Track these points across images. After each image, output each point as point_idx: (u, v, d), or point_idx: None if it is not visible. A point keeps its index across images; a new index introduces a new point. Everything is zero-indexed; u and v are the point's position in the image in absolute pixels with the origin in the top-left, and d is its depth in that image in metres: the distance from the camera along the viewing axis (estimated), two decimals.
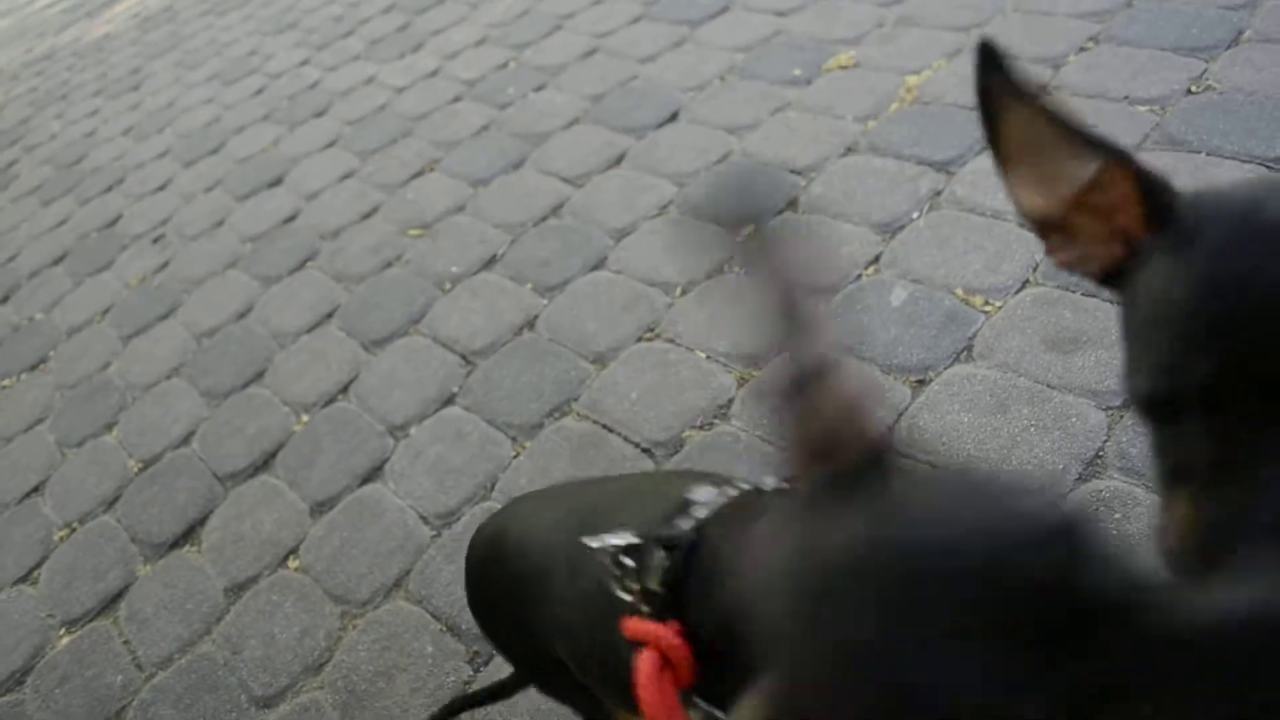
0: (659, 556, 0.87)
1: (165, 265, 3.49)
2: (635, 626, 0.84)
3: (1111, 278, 0.68)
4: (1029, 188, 0.68)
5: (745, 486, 0.93)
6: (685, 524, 0.88)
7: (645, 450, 2.06)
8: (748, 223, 0.59)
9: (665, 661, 0.81)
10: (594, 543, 0.94)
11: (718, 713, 0.81)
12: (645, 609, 0.85)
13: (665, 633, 0.82)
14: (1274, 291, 0.57)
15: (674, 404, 2.13)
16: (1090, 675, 0.42)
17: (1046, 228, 0.70)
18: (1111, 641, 0.42)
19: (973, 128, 2.49)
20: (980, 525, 0.46)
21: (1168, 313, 0.62)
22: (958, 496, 0.50)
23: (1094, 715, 0.42)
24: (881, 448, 0.53)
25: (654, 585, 0.86)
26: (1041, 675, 0.42)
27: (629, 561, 0.89)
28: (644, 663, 0.81)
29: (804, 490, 0.54)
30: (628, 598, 0.87)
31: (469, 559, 1.28)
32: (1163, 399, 0.61)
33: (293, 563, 2.18)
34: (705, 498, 0.92)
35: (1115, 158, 0.64)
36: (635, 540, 0.90)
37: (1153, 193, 0.64)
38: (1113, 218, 0.66)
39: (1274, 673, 0.41)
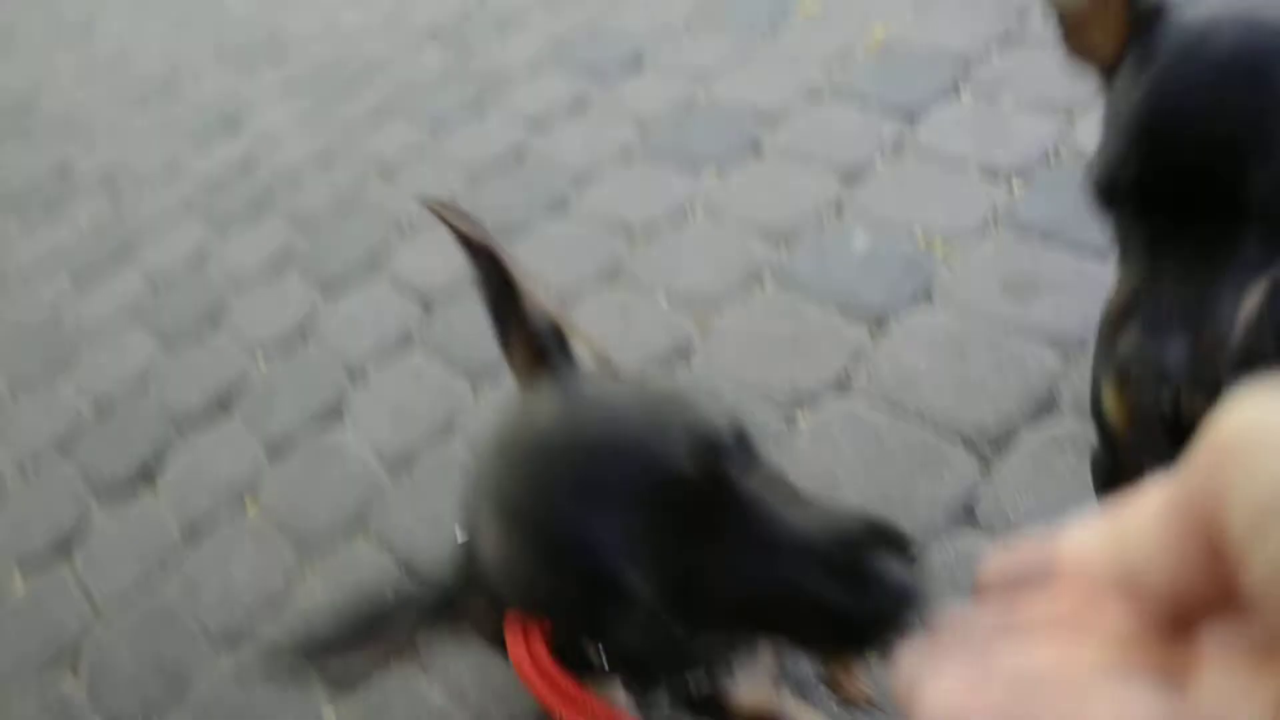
0: None
1: (117, 210, 3.42)
2: None
3: (1107, 74, 0.78)
4: None
5: None
6: None
7: None
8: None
9: (527, 634, 0.86)
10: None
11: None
12: None
13: None
14: (1192, 106, 0.66)
15: (635, 348, 2.12)
16: (701, 558, 0.58)
17: (1068, 20, 0.79)
18: (728, 535, 0.58)
19: (938, 74, 2.49)
20: (651, 423, 0.61)
21: (1119, 113, 0.72)
22: (639, 398, 0.66)
23: (693, 589, 0.58)
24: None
25: None
26: (663, 553, 0.57)
27: None
28: (509, 634, 0.86)
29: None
30: None
31: None
32: (1107, 187, 0.72)
33: (250, 505, 2.16)
34: None
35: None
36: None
37: (1135, 5, 0.73)
38: (1117, 20, 0.76)
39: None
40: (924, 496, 1.68)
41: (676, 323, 2.15)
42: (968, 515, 1.64)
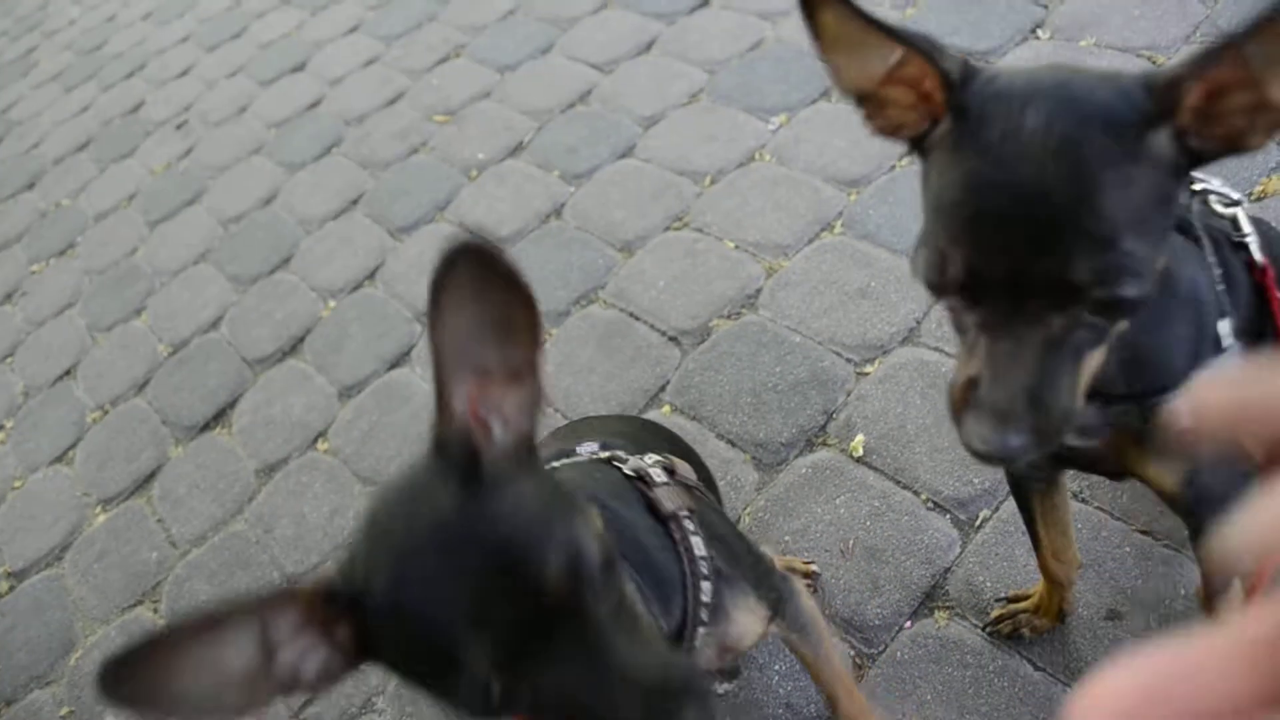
0: None
1: (189, 151, 3.46)
2: None
3: (917, 144, 0.77)
4: (845, 70, 0.77)
5: (623, 456, 1.10)
6: None
7: (672, 338, 2.06)
8: None
9: None
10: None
11: None
12: None
13: None
14: (1013, 202, 0.68)
15: (701, 293, 2.11)
16: (537, 658, 0.67)
17: (862, 100, 0.78)
18: (567, 647, 0.67)
19: (1018, 17, 2.41)
20: (533, 527, 0.69)
21: (938, 198, 0.73)
22: (534, 499, 0.72)
23: (522, 679, 0.67)
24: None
25: None
26: (506, 643, 0.66)
27: None
28: None
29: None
30: None
31: None
32: (934, 285, 0.73)
33: (322, 445, 2.20)
34: (584, 451, 1.11)
35: (915, 48, 0.73)
36: None
37: (948, 81, 0.72)
38: (917, 94, 0.75)
39: None
40: None
41: (744, 269, 2.13)
42: None
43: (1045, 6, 2.41)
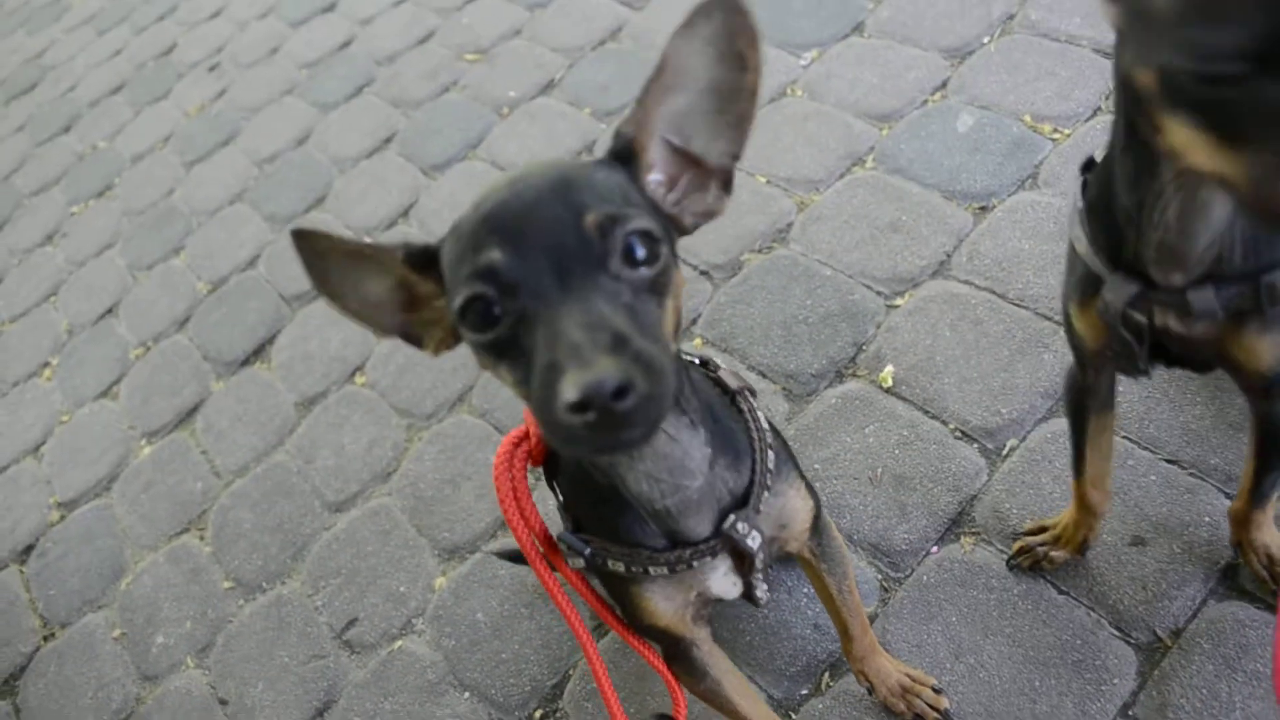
0: None
1: (222, 93, 3.49)
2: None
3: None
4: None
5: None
6: None
7: (704, 272, 2.08)
8: None
9: (522, 439, 1.02)
10: None
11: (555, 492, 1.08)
12: None
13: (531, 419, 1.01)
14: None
15: (733, 227, 2.12)
16: (540, 275, 0.73)
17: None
18: (566, 276, 0.73)
19: None
20: (595, 189, 0.77)
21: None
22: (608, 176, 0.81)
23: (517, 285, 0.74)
24: None
25: None
26: (521, 256, 0.73)
27: None
28: (506, 438, 1.03)
29: None
30: None
31: None
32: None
33: (359, 379, 2.24)
34: None
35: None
36: None
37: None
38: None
39: None
40: (1022, 379, 1.68)
41: (775, 203, 2.14)
42: None
43: None
